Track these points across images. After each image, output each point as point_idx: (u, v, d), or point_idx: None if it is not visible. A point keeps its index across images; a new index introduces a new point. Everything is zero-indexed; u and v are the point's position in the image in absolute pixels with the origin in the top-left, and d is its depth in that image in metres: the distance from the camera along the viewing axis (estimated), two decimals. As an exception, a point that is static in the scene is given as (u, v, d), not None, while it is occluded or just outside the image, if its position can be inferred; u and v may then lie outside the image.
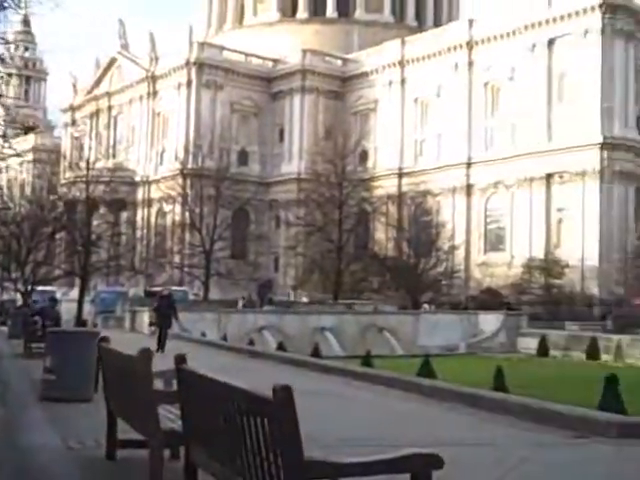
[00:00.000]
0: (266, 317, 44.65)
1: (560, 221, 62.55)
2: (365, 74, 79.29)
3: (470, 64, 70.13)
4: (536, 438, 9.31)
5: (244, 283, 65.45)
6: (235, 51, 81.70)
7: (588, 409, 10.77)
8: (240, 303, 53.56)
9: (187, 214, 67.60)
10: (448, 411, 11.31)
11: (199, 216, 65.44)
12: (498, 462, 7.76)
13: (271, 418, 4.25)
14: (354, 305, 52.55)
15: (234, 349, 24.90)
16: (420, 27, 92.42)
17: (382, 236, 68.30)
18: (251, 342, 34.81)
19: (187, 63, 77.22)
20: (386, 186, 72.04)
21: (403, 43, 76.51)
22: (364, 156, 76.18)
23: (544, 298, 55.39)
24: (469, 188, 68.88)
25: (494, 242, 67.47)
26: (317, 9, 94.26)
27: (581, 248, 59.74)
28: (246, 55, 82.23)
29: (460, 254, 64.29)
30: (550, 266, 57.86)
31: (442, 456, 4.56)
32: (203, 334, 35.03)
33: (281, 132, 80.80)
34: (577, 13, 62.89)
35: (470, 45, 70.25)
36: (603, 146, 60.83)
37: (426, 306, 54.46)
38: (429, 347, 36.33)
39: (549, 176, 63.32)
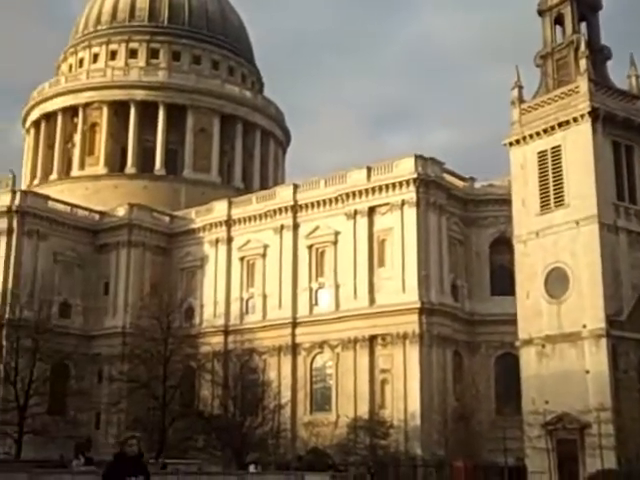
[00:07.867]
0: (84, 478, 42.09)
1: (384, 382, 64.25)
2: (192, 231, 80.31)
3: (295, 226, 72.64)
4: None
5: (61, 441, 61.89)
6: (61, 202, 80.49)
7: None
8: (74, 463, 49.74)
9: (1, 367, 63.86)
10: None
11: (14, 369, 61.98)
12: None
13: None
14: (168, 465, 50.39)
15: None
16: (247, 189, 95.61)
17: (207, 393, 67.19)
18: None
19: (9, 210, 75.24)
20: (212, 343, 71.46)
21: (230, 203, 78.52)
22: (190, 312, 75.86)
23: (369, 459, 55.96)
24: (295, 347, 69.84)
25: (320, 402, 68.12)
26: (145, 165, 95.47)
27: (404, 409, 61.56)
28: (72, 206, 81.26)
29: (286, 413, 64.00)
30: (375, 426, 58.89)
31: None
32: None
33: (106, 285, 79.37)
34: (394, 186, 67.42)
35: (295, 209, 72.95)
36: (422, 310, 64.09)
37: (252, 466, 53.46)
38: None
39: (372, 338, 65.46)
